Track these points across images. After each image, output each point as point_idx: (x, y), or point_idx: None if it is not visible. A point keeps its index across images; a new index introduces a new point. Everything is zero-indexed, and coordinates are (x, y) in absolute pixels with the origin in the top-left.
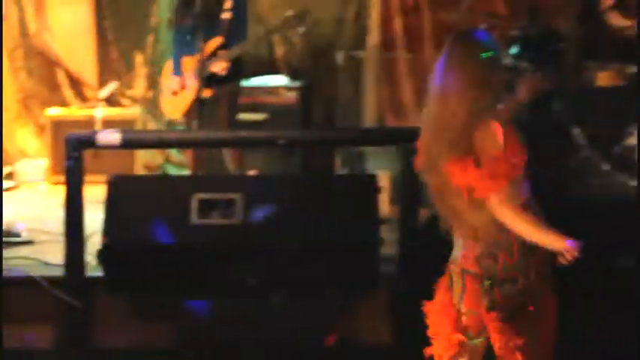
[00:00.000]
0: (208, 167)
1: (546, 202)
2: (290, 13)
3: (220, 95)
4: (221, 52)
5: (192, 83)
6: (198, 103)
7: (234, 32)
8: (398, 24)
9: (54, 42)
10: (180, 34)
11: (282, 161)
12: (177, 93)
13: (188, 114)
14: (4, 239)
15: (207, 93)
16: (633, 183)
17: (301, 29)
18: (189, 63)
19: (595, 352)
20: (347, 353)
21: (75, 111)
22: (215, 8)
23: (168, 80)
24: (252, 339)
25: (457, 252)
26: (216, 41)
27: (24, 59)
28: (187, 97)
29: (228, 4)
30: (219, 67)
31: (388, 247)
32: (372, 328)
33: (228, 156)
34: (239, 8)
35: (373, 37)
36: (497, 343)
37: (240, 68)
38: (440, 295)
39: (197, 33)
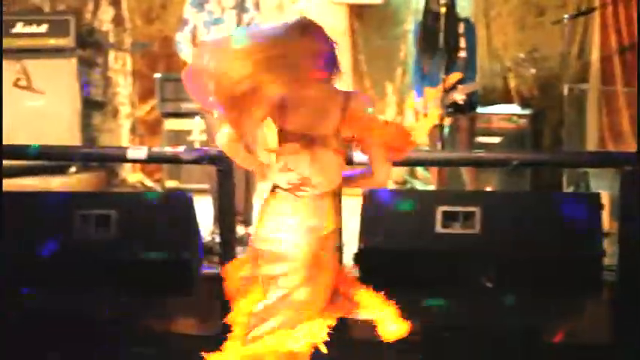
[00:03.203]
0: (449, 183)
1: None
2: (521, 55)
3: (461, 121)
4: (460, 86)
5: (434, 110)
6: (440, 127)
7: (469, 68)
8: (616, 61)
9: None
10: (422, 68)
11: (513, 179)
12: (420, 119)
13: (431, 137)
14: None
15: (447, 120)
16: None
17: (532, 70)
18: (431, 93)
19: None
20: (572, 350)
21: None
22: (452, 47)
23: (413, 107)
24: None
25: None
26: (457, 76)
27: None
28: (430, 122)
29: (463, 44)
30: (461, 98)
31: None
32: (594, 328)
33: (466, 174)
34: (471, 48)
35: (594, 72)
36: None
37: (475, 99)
38: None
39: (438, 68)
